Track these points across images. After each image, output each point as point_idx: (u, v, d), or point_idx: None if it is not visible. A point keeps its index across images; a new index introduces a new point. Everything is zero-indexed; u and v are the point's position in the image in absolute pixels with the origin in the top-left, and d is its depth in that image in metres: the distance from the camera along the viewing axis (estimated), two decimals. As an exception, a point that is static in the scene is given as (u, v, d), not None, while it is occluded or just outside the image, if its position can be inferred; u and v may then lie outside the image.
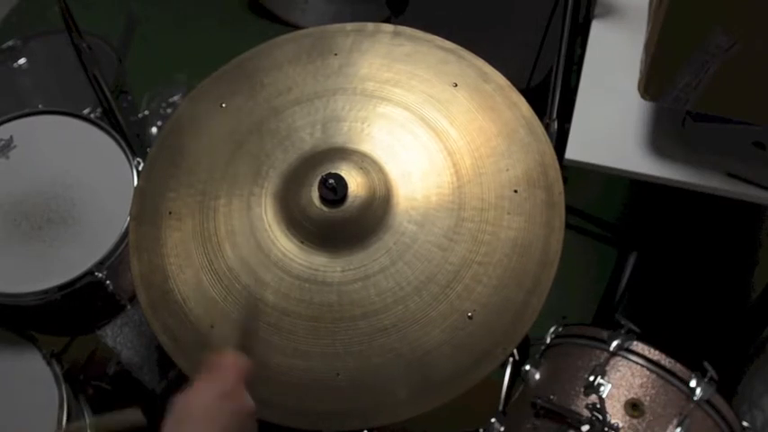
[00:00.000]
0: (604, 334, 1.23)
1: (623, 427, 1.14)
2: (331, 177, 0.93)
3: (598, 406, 1.15)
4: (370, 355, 0.88)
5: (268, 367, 0.89)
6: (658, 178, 1.20)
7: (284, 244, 0.95)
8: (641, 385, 1.18)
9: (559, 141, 1.30)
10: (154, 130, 2.10)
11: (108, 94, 1.54)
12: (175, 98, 2.16)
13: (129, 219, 1.25)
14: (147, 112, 2.06)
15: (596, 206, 1.96)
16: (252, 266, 0.94)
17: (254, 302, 0.92)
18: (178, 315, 0.93)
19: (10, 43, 1.81)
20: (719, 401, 1.18)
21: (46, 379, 1.31)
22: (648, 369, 1.19)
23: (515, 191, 0.94)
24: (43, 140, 1.41)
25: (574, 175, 1.20)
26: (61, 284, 1.26)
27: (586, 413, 1.15)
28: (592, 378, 1.18)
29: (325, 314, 0.91)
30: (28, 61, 1.80)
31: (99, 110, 1.61)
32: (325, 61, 1.07)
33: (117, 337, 1.40)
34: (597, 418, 1.14)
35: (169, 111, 2.14)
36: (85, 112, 1.58)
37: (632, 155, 1.22)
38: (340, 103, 1.03)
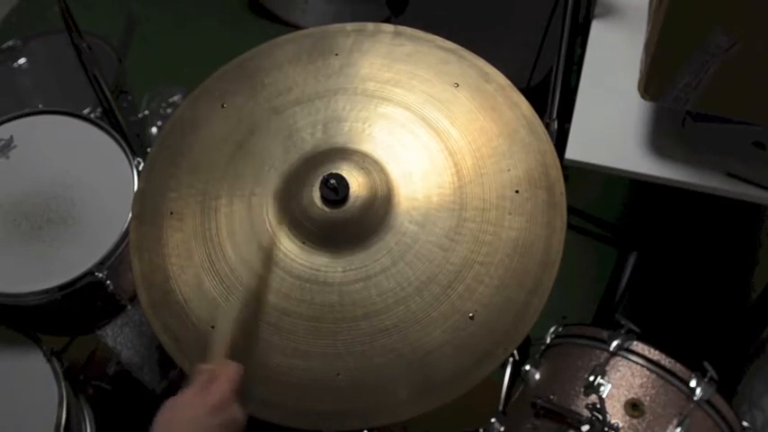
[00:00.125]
0: (604, 334, 1.23)
1: (623, 427, 1.14)
2: (332, 177, 0.93)
3: (598, 406, 1.15)
4: (371, 355, 0.88)
5: (268, 367, 0.89)
6: (658, 178, 1.20)
7: (285, 244, 0.95)
8: (641, 385, 1.18)
9: (559, 141, 1.30)
10: (154, 130, 2.10)
11: (108, 94, 1.54)
12: (175, 98, 2.16)
13: (129, 218, 1.25)
14: (147, 112, 2.06)
15: (596, 206, 1.96)
16: (251, 266, 0.94)
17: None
18: (179, 315, 0.93)
19: (10, 43, 1.81)
20: (719, 401, 1.18)
21: (46, 377, 1.31)
22: (648, 369, 1.19)
23: (517, 191, 0.94)
24: (43, 140, 1.41)
25: (574, 174, 1.20)
26: (61, 284, 1.26)
27: (586, 413, 1.16)
28: (592, 378, 1.18)
29: (326, 314, 0.90)
30: (28, 61, 1.80)
31: (99, 110, 1.61)
32: (326, 61, 1.07)
33: (117, 337, 1.41)
34: (597, 418, 1.14)
35: (169, 111, 2.14)
36: (85, 112, 1.58)
37: (632, 155, 1.22)
38: (341, 104, 1.03)
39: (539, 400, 1.20)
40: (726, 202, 1.20)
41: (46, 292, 1.26)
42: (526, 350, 1.36)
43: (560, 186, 0.94)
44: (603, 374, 1.19)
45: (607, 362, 1.20)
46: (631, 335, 1.22)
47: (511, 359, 1.35)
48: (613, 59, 1.30)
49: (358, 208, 0.94)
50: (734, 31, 0.98)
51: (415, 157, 0.98)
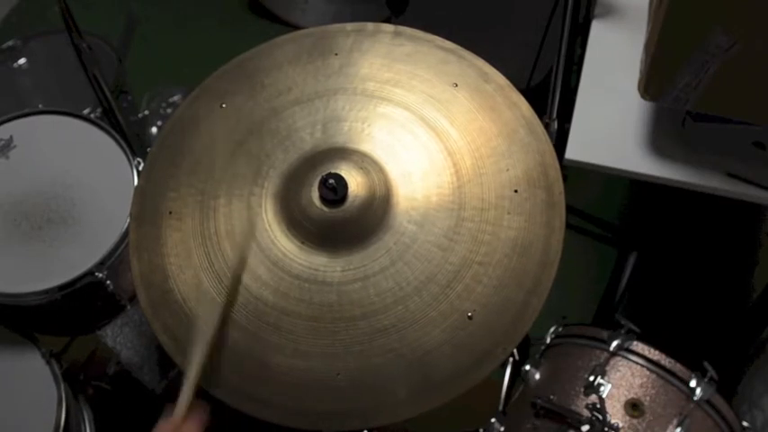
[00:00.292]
0: (604, 334, 1.23)
1: (623, 427, 1.14)
2: (331, 177, 0.93)
3: (598, 406, 1.15)
4: (371, 355, 0.88)
5: (268, 367, 0.89)
6: (658, 178, 1.20)
7: (284, 244, 0.95)
8: (641, 385, 1.18)
9: (559, 141, 1.30)
10: (154, 130, 2.10)
11: (108, 94, 1.54)
12: (175, 98, 2.16)
13: (129, 219, 1.25)
14: (147, 112, 2.06)
15: (596, 206, 1.96)
16: (250, 266, 0.94)
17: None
18: (178, 315, 0.93)
19: (10, 43, 1.81)
20: (719, 401, 1.18)
21: (45, 378, 1.31)
22: (648, 369, 1.19)
23: (515, 191, 0.94)
24: (43, 140, 1.41)
25: (573, 174, 1.20)
26: (61, 284, 1.26)
27: (586, 413, 1.15)
28: (592, 378, 1.18)
29: (324, 314, 0.90)
30: (28, 61, 1.80)
31: (99, 110, 1.61)
32: (326, 61, 1.07)
33: (117, 337, 1.40)
34: (597, 418, 1.14)
35: (169, 111, 2.14)
36: (85, 112, 1.59)
37: (632, 155, 1.22)
38: (340, 103, 1.03)
39: (539, 400, 1.20)
40: (726, 202, 1.20)
41: (46, 292, 1.26)
42: (526, 350, 1.36)
43: (559, 186, 0.94)
44: (603, 374, 1.19)
45: (607, 362, 1.20)
46: (631, 335, 1.22)
47: (511, 359, 1.35)
48: (613, 59, 1.30)
49: (357, 208, 0.94)
50: (734, 31, 0.98)
51: (415, 157, 0.98)
